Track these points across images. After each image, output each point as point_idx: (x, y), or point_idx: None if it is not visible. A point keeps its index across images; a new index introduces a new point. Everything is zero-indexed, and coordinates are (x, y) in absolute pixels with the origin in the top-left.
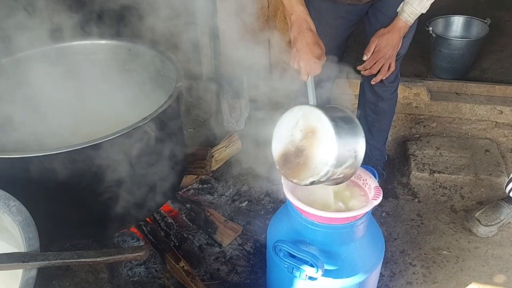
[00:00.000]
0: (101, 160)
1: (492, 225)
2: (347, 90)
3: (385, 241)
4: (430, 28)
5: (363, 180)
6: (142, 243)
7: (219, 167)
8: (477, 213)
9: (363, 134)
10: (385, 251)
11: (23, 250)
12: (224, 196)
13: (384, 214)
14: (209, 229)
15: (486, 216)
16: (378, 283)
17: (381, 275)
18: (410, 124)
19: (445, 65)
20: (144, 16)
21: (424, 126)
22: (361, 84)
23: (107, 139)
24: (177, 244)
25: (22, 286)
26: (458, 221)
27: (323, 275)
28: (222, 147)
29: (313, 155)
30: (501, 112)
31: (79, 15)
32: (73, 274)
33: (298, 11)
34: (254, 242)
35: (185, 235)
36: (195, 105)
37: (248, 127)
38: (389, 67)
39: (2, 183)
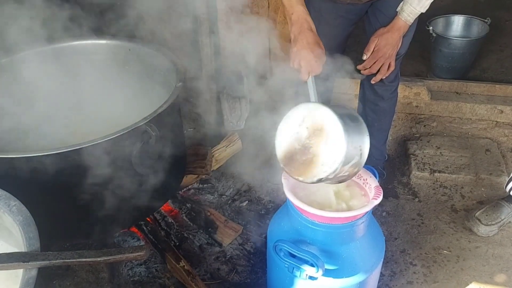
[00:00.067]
0: (101, 160)
1: (493, 224)
2: (347, 90)
3: (385, 241)
4: (430, 28)
5: (364, 179)
6: (142, 243)
7: (220, 166)
8: (478, 213)
9: (367, 132)
10: (385, 251)
11: (23, 250)
12: (224, 196)
13: (384, 213)
14: (210, 229)
15: (487, 215)
16: (378, 282)
17: (382, 274)
18: (411, 124)
19: (446, 64)
20: (145, 16)
21: (424, 126)
22: (361, 83)
23: (107, 139)
24: (177, 243)
25: (22, 285)
26: (458, 221)
27: (323, 275)
28: (222, 147)
29: (321, 152)
30: (502, 112)
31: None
32: (73, 273)
33: (298, 11)
34: (255, 241)
35: (185, 234)
36: (195, 105)
37: (248, 127)
38: (388, 67)
39: (2, 183)
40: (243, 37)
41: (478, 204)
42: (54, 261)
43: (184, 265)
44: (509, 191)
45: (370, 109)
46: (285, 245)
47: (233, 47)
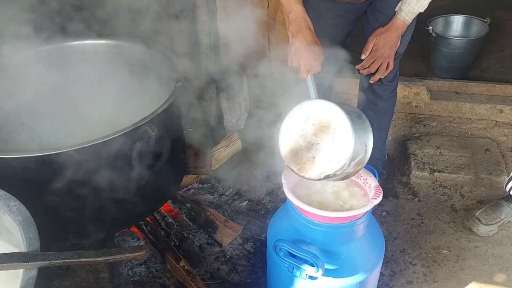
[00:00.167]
0: (101, 160)
1: (492, 224)
2: (347, 90)
3: (385, 241)
4: (430, 28)
5: (363, 179)
6: (142, 243)
7: (219, 166)
8: (477, 212)
9: (371, 129)
10: (385, 251)
11: (23, 250)
12: (224, 196)
13: (384, 213)
14: (210, 229)
15: (486, 215)
16: (378, 282)
17: (382, 274)
18: (410, 124)
19: (445, 64)
20: (146, 15)
21: (424, 126)
22: (360, 83)
23: (107, 139)
24: (177, 243)
25: (22, 286)
26: (458, 220)
27: (323, 275)
28: (222, 147)
29: (327, 149)
30: (501, 111)
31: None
32: (73, 273)
33: (296, 10)
34: (254, 241)
35: (185, 234)
36: (195, 104)
37: (248, 127)
38: (387, 66)
39: (2, 183)
40: (243, 36)
41: (478, 204)
42: (54, 261)
43: (184, 265)
44: (509, 190)
45: (369, 108)
46: (285, 245)
47: (233, 47)
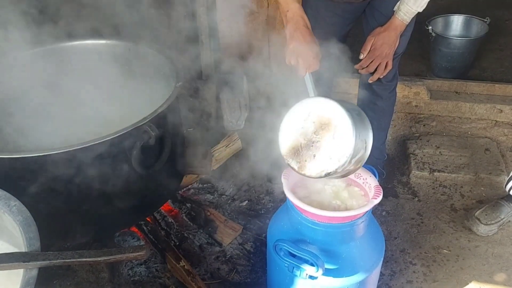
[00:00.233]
0: (101, 159)
1: (492, 224)
2: (347, 89)
3: (385, 240)
4: (430, 27)
5: (363, 179)
6: (142, 243)
7: (219, 166)
8: (477, 212)
9: (371, 127)
10: (385, 250)
11: (24, 250)
12: (224, 196)
13: (384, 213)
14: (210, 229)
15: (486, 215)
16: (378, 282)
17: (382, 274)
18: (410, 123)
19: (445, 64)
20: (145, 15)
21: (424, 125)
22: (359, 82)
23: (107, 139)
24: (177, 243)
25: (23, 285)
26: (458, 220)
27: (323, 274)
28: (222, 147)
29: (328, 146)
30: (501, 111)
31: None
32: (73, 273)
33: (294, 8)
34: (255, 241)
35: (185, 234)
36: (195, 104)
37: (248, 126)
38: (386, 66)
39: (2, 183)
40: (243, 36)
41: (478, 204)
42: (55, 261)
43: (184, 265)
44: (509, 190)
45: (369, 108)
46: (285, 244)
47: (233, 47)
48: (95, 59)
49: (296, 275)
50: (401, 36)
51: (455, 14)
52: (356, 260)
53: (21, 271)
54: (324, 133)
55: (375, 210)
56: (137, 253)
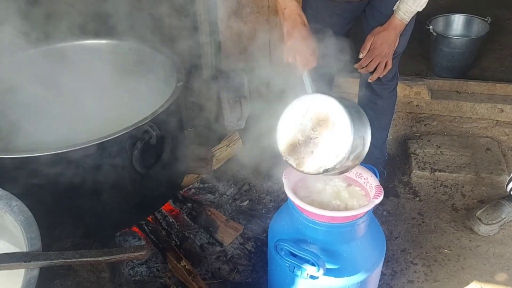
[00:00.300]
0: (102, 159)
1: (493, 223)
2: (348, 89)
3: (386, 240)
4: (431, 27)
5: (364, 178)
6: (143, 243)
7: (220, 166)
8: (478, 212)
9: (369, 123)
10: (386, 250)
11: (25, 250)
12: (225, 195)
13: (385, 213)
14: (210, 228)
15: (487, 214)
16: (379, 281)
17: (382, 273)
18: (411, 123)
19: (446, 63)
20: (145, 15)
21: (424, 125)
22: (359, 82)
23: (107, 139)
24: (178, 243)
25: (24, 285)
26: (459, 220)
27: (324, 274)
28: (223, 146)
29: (326, 143)
30: (502, 111)
31: None
32: (75, 273)
33: (291, 6)
34: (255, 241)
35: (186, 234)
36: (196, 104)
37: (248, 126)
38: (386, 65)
39: (3, 183)
40: (244, 36)
41: (479, 203)
42: (56, 261)
43: (185, 265)
44: (510, 190)
45: (369, 108)
46: (286, 244)
47: (234, 46)
48: (95, 59)
49: (297, 275)
50: (401, 35)
51: (456, 13)
52: (357, 260)
53: (22, 271)
54: (322, 129)
55: (376, 210)
56: (138, 253)
